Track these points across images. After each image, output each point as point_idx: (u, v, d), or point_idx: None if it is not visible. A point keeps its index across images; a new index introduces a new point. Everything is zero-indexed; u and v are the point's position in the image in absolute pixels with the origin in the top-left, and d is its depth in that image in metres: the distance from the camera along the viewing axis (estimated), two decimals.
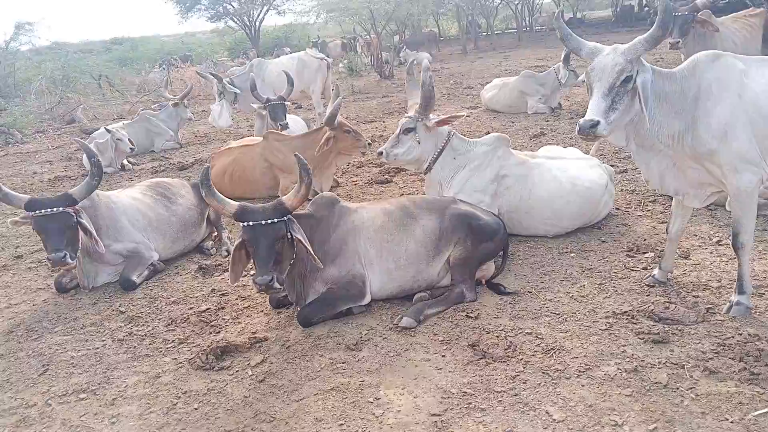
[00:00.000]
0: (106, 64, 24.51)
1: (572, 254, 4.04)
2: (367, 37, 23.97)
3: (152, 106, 11.50)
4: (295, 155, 3.37)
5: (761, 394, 2.43)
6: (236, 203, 3.28)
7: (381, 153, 4.29)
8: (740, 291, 3.07)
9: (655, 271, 3.52)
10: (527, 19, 34.48)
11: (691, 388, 2.51)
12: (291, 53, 12.63)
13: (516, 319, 3.27)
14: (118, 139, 8.14)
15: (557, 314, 3.26)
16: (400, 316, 3.34)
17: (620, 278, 3.61)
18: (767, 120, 2.87)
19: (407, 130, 4.25)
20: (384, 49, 21.57)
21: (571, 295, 3.47)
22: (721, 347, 2.77)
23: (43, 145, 11.54)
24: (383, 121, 10.59)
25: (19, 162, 10.10)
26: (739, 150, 2.88)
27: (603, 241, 4.22)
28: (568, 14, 35.93)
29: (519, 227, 4.38)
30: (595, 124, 2.75)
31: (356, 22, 19.57)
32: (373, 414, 2.59)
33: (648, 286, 3.47)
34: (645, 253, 3.93)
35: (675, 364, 2.68)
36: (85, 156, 5.70)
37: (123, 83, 21.40)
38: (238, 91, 9.01)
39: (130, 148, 8.25)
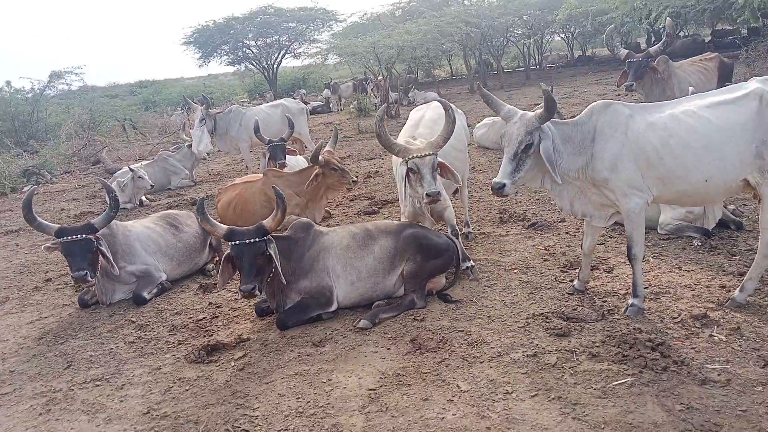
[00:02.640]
0: (131, 108, 26.06)
1: (516, 270, 4.71)
2: (378, 78, 25.18)
3: (170, 148, 12.52)
4: (272, 187, 4.15)
5: (625, 371, 3.06)
6: (225, 226, 4.07)
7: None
8: (635, 295, 3.71)
9: (575, 282, 4.17)
10: (536, 57, 35.45)
11: (572, 367, 3.15)
12: (272, 101, 13.65)
13: (454, 321, 3.93)
14: (139, 177, 9.07)
15: (488, 317, 3.93)
16: (359, 319, 4.04)
17: (548, 288, 4.27)
18: (646, 154, 3.53)
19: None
20: (394, 89, 22.65)
21: (504, 302, 4.13)
22: (608, 338, 3.40)
23: (71, 184, 12.59)
24: (382, 158, 11.40)
25: (48, 200, 11.09)
26: (627, 178, 3.54)
27: (545, 260, 4.87)
28: (578, 52, 36.95)
29: None
30: (502, 186, 3.43)
31: (363, 65, 20.63)
32: (324, 390, 3.27)
33: (569, 294, 4.12)
34: (576, 269, 4.57)
35: (567, 351, 3.32)
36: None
37: (146, 125, 22.77)
38: (201, 109, 9.97)
39: (150, 186, 9.16)
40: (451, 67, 37.74)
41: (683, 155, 3.47)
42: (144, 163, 10.85)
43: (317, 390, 3.29)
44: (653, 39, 27.34)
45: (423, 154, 4.14)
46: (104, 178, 8.06)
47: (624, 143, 3.54)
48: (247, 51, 33.39)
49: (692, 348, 3.21)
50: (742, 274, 3.96)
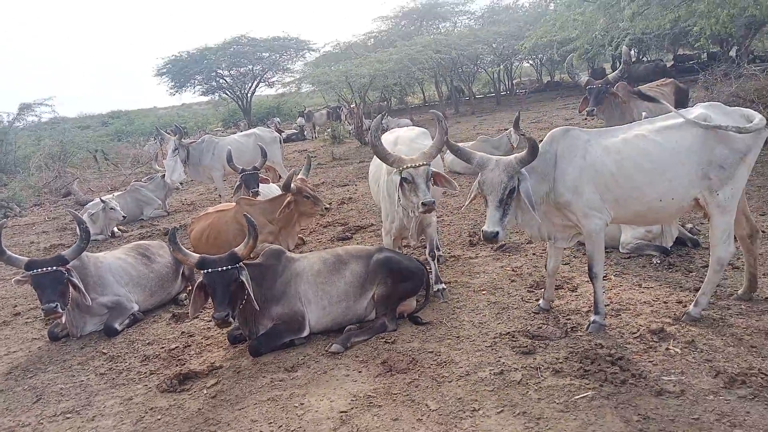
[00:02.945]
0: (102, 139, 25.81)
1: (484, 291, 4.83)
2: (352, 105, 25.50)
3: (143, 178, 12.47)
4: (243, 215, 4.23)
5: (586, 385, 3.17)
6: (197, 255, 4.12)
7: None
8: (596, 312, 3.85)
9: (540, 301, 4.31)
10: (507, 83, 36.28)
11: (537, 383, 3.26)
12: (245, 130, 13.83)
13: (424, 342, 4.02)
14: (111, 209, 9.03)
15: (457, 337, 4.02)
16: (331, 344, 4.10)
17: (515, 308, 4.39)
18: (603, 177, 3.68)
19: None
20: (368, 116, 22.96)
21: (472, 322, 4.24)
22: (571, 354, 3.52)
23: (40, 217, 12.43)
24: (356, 185, 11.54)
25: (17, 234, 10.92)
26: (587, 200, 3.69)
27: (512, 281, 5.01)
28: (547, 78, 37.94)
29: None
30: (496, 234, 3.48)
31: (337, 93, 20.94)
32: (296, 414, 3.32)
33: (535, 313, 4.24)
34: (542, 288, 4.71)
35: (532, 367, 3.44)
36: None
37: (118, 156, 22.59)
38: (171, 138, 10.14)
39: (123, 216, 9.12)
40: (423, 94, 38.40)
41: (637, 177, 3.64)
42: (116, 194, 10.79)
43: (289, 414, 3.33)
44: (618, 64, 28.37)
45: (417, 164, 4.19)
46: (75, 210, 8.02)
47: (583, 167, 3.69)
48: (221, 80, 33.57)
49: (650, 361, 3.34)
50: (697, 290, 4.14)
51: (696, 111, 3.77)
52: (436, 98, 39.35)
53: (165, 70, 32.14)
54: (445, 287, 4.88)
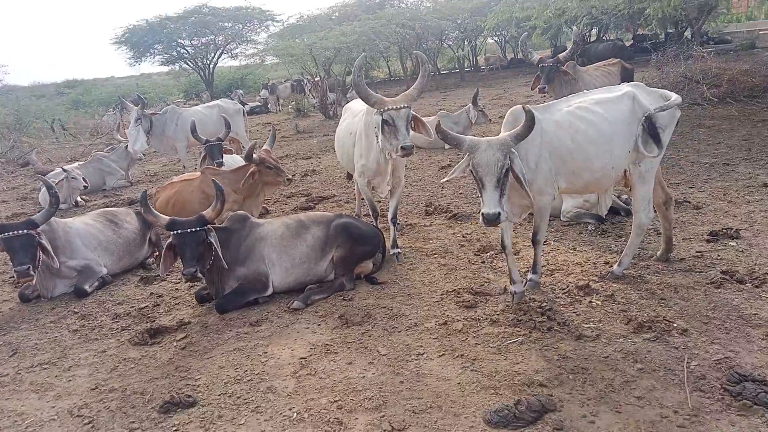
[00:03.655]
0: (59, 108, 25.20)
1: (436, 255, 5.23)
2: (315, 79, 25.46)
3: (105, 149, 12.41)
4: (212, 180, 4.49)
5: (518, 332, 3.62)
6: (167, 217, 4.38)
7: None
8: (533, 272, 4.27)
9: (513, 287, 4.06)
10: (471, 59, 36.57)
11: (476, 331, 3.69)
12: (208, 101, 13.84)
13: (378, 299, 4.40)
14: (72, 178, 9.07)
15: (408, 295, 4.42)
16: (292, 301, 4.44)
17: (462, 269, 4.81)
18: (560, 150, 3.81)
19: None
20: (332, 89, 23.00)
21: (423, 282, 4.64)
22: (507, 307, 3.97)
23: None
24: (319, 158, 11.78)
25: None
26: (544, 177, 3.79)
27: (462, 246, 5.43)
28: (511, 55, 38.40)
29: None
30: (498, 215, 3.32)
31: (301, 66, 20.93)
32: (260, 361, 3.67)
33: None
34: (487, 252, 5.15)
35: (473, 319, 3.86)
36: (43, 190, 6.64)
37: (76, 126, 22.14)
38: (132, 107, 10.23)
39: (84, 186, 9.18)
40: (389, 69, 38.43)
41: (589, 149, 3.81)
42: (78, 164, 10.78)
43: (254, 361, 3.67)
44: (579, 43, 29.00)
45: (399, 106, 4.30)
46: (35, 180, 8.06)
47: (540, 144, 3.76)
48: (182, 51, 32.85)
49: (574, 312, 3.81)
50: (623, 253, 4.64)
51: (624, 88, 4.15)
52: (401, 73, 39.49)
53: (123, 40, 31.26)
54: (401, 251, 5.26)
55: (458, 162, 3.74)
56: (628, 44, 28.01)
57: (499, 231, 4.16)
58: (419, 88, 4.53)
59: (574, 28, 8.87)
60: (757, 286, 3.82)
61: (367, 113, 4.94)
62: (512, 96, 18.76)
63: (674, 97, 3.98)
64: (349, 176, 7.46)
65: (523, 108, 3.55)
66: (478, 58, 37.00)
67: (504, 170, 3.39)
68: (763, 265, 4.13)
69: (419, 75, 4.60)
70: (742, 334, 3.29)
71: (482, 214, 3.37)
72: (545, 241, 4.96)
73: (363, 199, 6.11)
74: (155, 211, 4.40)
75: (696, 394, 2.82)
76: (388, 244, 5.29)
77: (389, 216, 5.28)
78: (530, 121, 3.45)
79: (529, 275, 4.29)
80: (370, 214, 5.57)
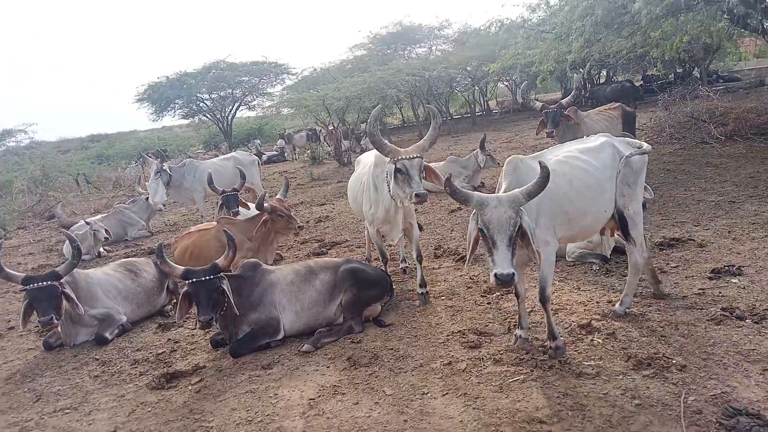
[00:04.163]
0: (83, 162, 26.08)
1: (443, 297, 5.36)
2: (330, 127, 26.14)
3: (127, 201, 12.85)
4: (224, 230, 4.72)
5: (520, 370, 3.71)
6: (182, 267, 4.60)
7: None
8: (552, 338, 4.00)
9: (519, 332, 4.10)
10: (482, 103, 37.21)
11: (479, 370, 3.79)
12: (226, 153, 14.31)
13: (386, 341, 4.53)
14: (95, 230, 9.43)
15: (415, 336, 4.54)
16: (303, 344, 4.59)
17: (468, 311, 4.93)
18: (559, 198, 3.78)
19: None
20: (346, 137, 23.56)
21: (429, 323, 4.77)
22: (510, 346, 4.06)
23: (26, 239, 12.72)
24: (333, 204, 12.07)
25: (4, 255, 11.19)
26: (545, 227, 3.72)
27: (469, 287, 5.55)
28: (521, 99, 39.00)
29: None
30: (512, 276, 3.13)
31: (314, 116, 21.60)
32: (271, 402, 3.79)
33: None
34: (494, 293, 5.26)
35: (477, 359, 3.96)
36: (67, 243, 6.94)
37: (100, 179, 22.88)
38: (157, 164, 10.60)
39: (105, 237, 9.53)
40: (402, 115, 39.23)
41: (585, 194, 3.87)
42: (101, 216, 11.18)
43: (264, 403, 3.80)
44: (588, 85, 29.48)
45: (412, 156, 4.49)
46: (60, 232, 8.40)
47: (541, 194, 3.51)
48: (201, 104, 34.05)
49: (575, 350, 3.89)
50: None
51: (601, 138, 4.32)
52: (413, 119, 40.28)
53: (145, 96, 32.53)
54: (428, 291, 5.30)
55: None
56: (638, 84, 28.32)
57: (376, 244, 4.34)
58: (430, 140, 4.73)
59: (575, 75, 9.15)
60: (756, 322, 3.88)
61: (374, 165, 5.18)
62: (523, 139, 19.03)
63: (646, 145, 4.22)
64: None
65: (540, 163, 3.39)
66: (489, 102, 37.62)
67: (516, 228, 3.24)
68: (764, 301, 4.19)
69: (431, 127, 4.83)
70: (740, 369, 3.35)
71: (495, 275, 3.18)
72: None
73: (373, 244, 6.30)
74: (170, 262, 4.63)
75: (692, 428, 2.88)
76: (414, 285, 5.46)
77: (414, 257, 5.38)
78: (545, 179, 3.31)
79: (551, 342, 3.88)
80: (380, 259, 5.73)
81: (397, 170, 4.56)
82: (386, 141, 4.74)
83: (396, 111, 38.27)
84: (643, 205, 4.50)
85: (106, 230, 9.56)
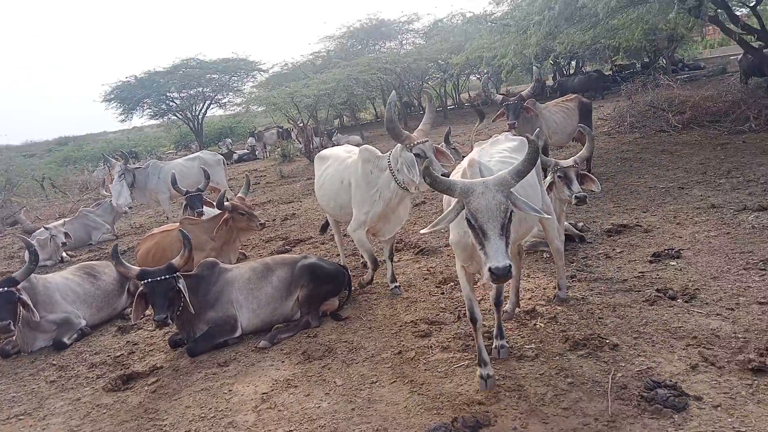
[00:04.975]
0: (50, 166, 25.62)
1: (400, 286, 5.48)
2: (300, 124, 26.05)
3: (92, 205, 12.71)
4: (179, 230, 4.77)
5: (465, 356, 3.85)
6: (138, 267, 4.65)
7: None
8: (501, 336, 4.27)
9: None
10: (454, 96, 37.36)
11: (427, 358, 3.92)
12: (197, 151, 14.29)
13: (341, 334, 4.63)
14: (53, 235, 9.35)
15: (369, 328, 4.66)
16: (260, 340, 4.66)
17: (422, 301, 5.06)
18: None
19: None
20: (319, 134, 23.51)
21: (385, 315, 4.88)
22: (458, 334, 4.20)
23: None
24: (300, 202, 12.11)
25: None
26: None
27: (425, 279, 5.68)
28: (493, 89, 39.31)
29: None
30: (510, 268, 2.73)
31: (284, 113, 21.53)
32: (225, 399, 3.87)
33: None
34: (449, 284, 5.39)
35: (426, 347, 4.09)
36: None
37: (66, 183, 22.51)
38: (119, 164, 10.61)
39: (63, 243, 9.45)
40: (375, 110, 39.25)
41: (530, 193, 3.72)
42: (64, 220, 11.06)
43: (219, 399, 3.88)
44: (558, 77, 29.88)
45: (425, 140, 4.62)
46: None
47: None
48: (171, 103, 33.59)
49: (519, 335, 4.05)
50: (573, 277, 4.92)
51: (517, 137, 4.38)
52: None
53: (113, 96, 32.00)
54: (399, 284, 5.41)
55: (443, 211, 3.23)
56: (608, 74, 28.65)
57: (464, 297, 3.62)
58: (429, 122, 4.84)
59: (534, 68, 9.35)
60: (686, 301, 4.08)
61: (365, 161, 5.09)
62: (491, 131, 19.23)
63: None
64: (323, 228, 7.64)
65: (527, 138, 3.11)
66: (461, 95, 37.87)
67: (508, 214, 2.86)
68: (696, 281, 4.40)
69: (427, 110, 4.98)
70: (667, 346, 3.53)
71: (490, 269, 2.73)
72: None
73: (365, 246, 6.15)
74: (126, 263, 4.66)
75: (617, 402, 3.05)
76: (386, 279, 5.52)
77: (386, 255, 5.46)
78: (534, 153, 2.94)
79: (497, 342, 3.86)
80: (369, 265, 5.54)
81: (416, 155, 4.62)
82: (402, 128, 4.77)
83: (369, 106, 38.29)
84: (584, 199, 4.69)
85: (65, 234, 9.47)
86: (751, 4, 12.78)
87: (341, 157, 5.81)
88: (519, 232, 3.74)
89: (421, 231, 3.11)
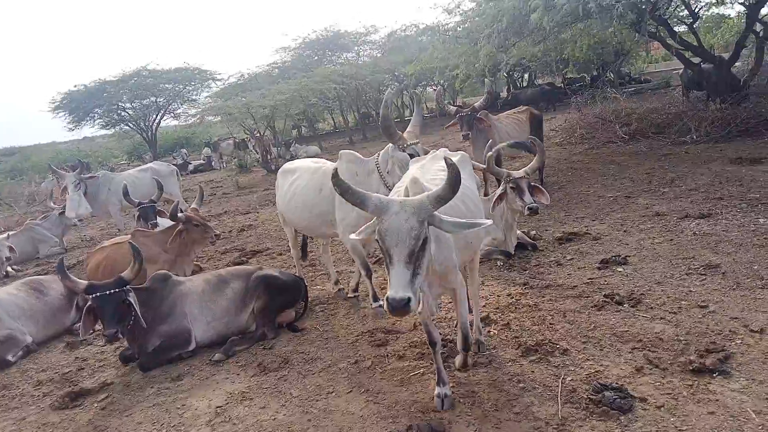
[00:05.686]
0: None
1: (356, 297, 5.50)
2: (256, 134, 25.82)
3: (39, 217, 12.26)
4: (128, 242, 4.67)
5: (421, 365, 3.90)
6: (85, 281, 4.51)
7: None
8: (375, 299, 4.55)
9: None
10: (411, 107, 37.71)
11: (383, 367, 3.95)
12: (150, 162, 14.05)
13: (297, 345, 4.61)
14: None
15: (326, 338, 4.65)
16: (214, 354, 4.60)
17: None
18: (455, 215, 3.66)
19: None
20: (277, 144, 23.35)
21: (341, 325, 4.89)
22: (414, 343, 4.25)
23: None
24: (257, 212, 11.99)
25: None
26: (449, 246, 3.17)
27: (382, 288, 5.70)
28: (447, 101, 39.93)
29: None
30: (407, 302, 2.45)
31: (240, 124, 21.34)
32: (178, 414, 3.80)
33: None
34: None
35: (382, 356, 4.12)
36: None
37: (11, 195, 21.62)
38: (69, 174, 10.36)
39: (7, 257, 9.08)
40: (333, 121, 39.26)
41: (473, 211, 3.57)
42: (9, 233, 10.63)
43: (171, 415, 3.80)
44: (512, 89, 30.58)
45: (416, 141, 4.67)
46: None
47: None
48: (123, 113, 32.82)
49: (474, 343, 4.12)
50: (526, 284, 5.05)
51: (456, 155, 4.35)
52: (343, 125, 40.38)
53: (62, 105, 31.02)
54: (382, 304, 5.05)
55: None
56: (560, 87, 29.42)
57: (421, 320, 3.45)
58: (418, 124, 4.89)
59: (486, 80, 9.59)
60: (632, 306, 4.25)
61: (350, 163, 4.96)
62: (447, 143, 19.52)
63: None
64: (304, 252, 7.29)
65: (446, 160, 2.76)
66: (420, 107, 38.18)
67: (420, 242, 2.59)
68: (642, 287, 4.58)
69: (414, 112, 5.03)
70: (614, 349, 3.67)
71: (387, 298, 2.50)
72: None
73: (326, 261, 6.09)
74: (73, 277, 4.52)
75: (566, 405, 3.15)
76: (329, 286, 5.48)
77: (362, 272, 5.21)
78: (455, 178, 2.64)
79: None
80: (362, 273, 5.26)
81: (410, 155, 4.58)
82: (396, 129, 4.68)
83: (328, 116, 38.29)
84: (536, 210, 4.81)
85: (10, 248, 9.11)
86: (689, 22, 13.43)
87: (312, 167, 5.62)
88: (465, 255, 3.60)
89: (351, 236, 2.97)
